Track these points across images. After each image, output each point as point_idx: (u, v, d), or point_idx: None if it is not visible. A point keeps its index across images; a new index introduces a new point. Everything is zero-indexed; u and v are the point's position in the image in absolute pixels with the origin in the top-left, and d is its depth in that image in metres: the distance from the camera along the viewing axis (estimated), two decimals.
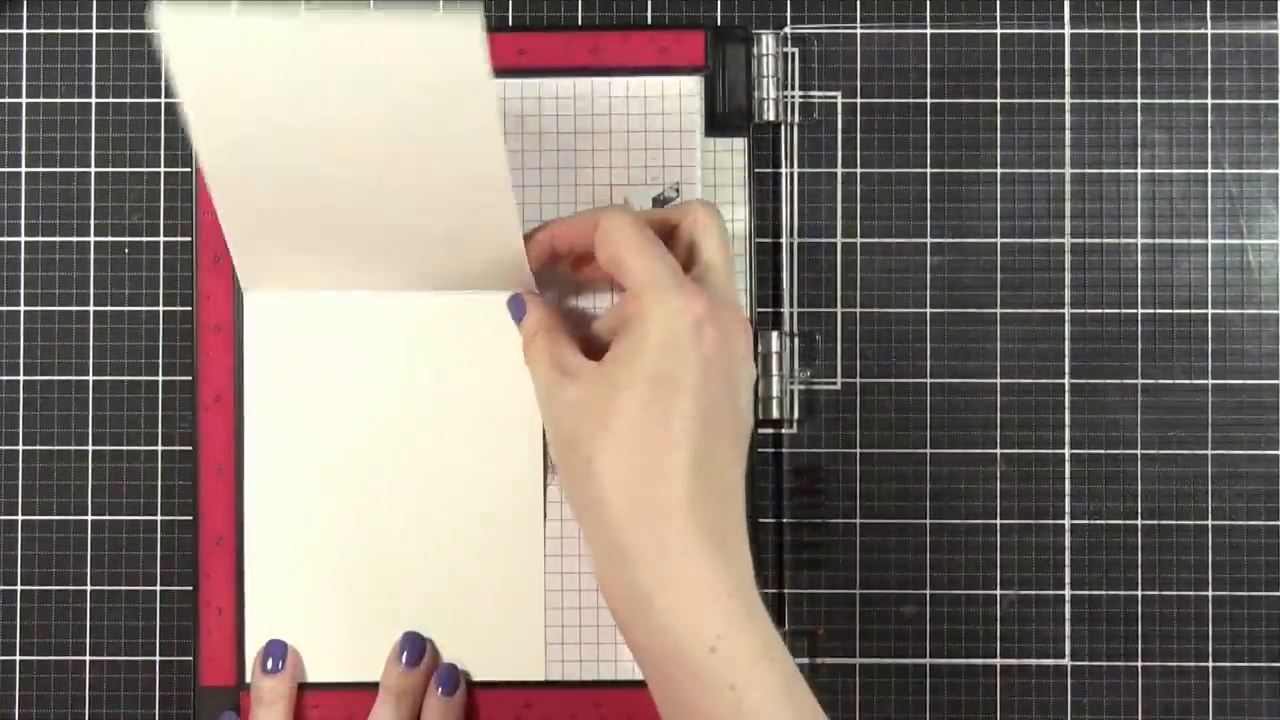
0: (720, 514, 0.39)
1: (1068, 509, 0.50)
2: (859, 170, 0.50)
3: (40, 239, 0.50)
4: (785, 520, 0.49)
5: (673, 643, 0.38)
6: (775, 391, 0.49)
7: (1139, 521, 0.49)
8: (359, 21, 0.37)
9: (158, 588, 0.50)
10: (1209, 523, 0.49)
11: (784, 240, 0.50)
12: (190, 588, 0.49)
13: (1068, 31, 0.50)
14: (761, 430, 0.49)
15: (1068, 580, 0.49)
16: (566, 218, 0.45)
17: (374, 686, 0.47)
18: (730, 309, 0.41)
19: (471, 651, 0.48)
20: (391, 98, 0.39)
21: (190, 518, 0.48)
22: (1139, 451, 0.50)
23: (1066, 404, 0.50)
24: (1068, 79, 0.50)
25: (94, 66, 0.50)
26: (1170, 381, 0.50)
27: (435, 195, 0.42)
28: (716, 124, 0.49)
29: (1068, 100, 0.50)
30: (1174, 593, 0.49)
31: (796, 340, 0.50)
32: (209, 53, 0.38)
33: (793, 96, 0.50)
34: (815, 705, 0.39)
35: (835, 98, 0.50)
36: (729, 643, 0.38)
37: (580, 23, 0.50)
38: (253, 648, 0.47)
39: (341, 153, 0.41)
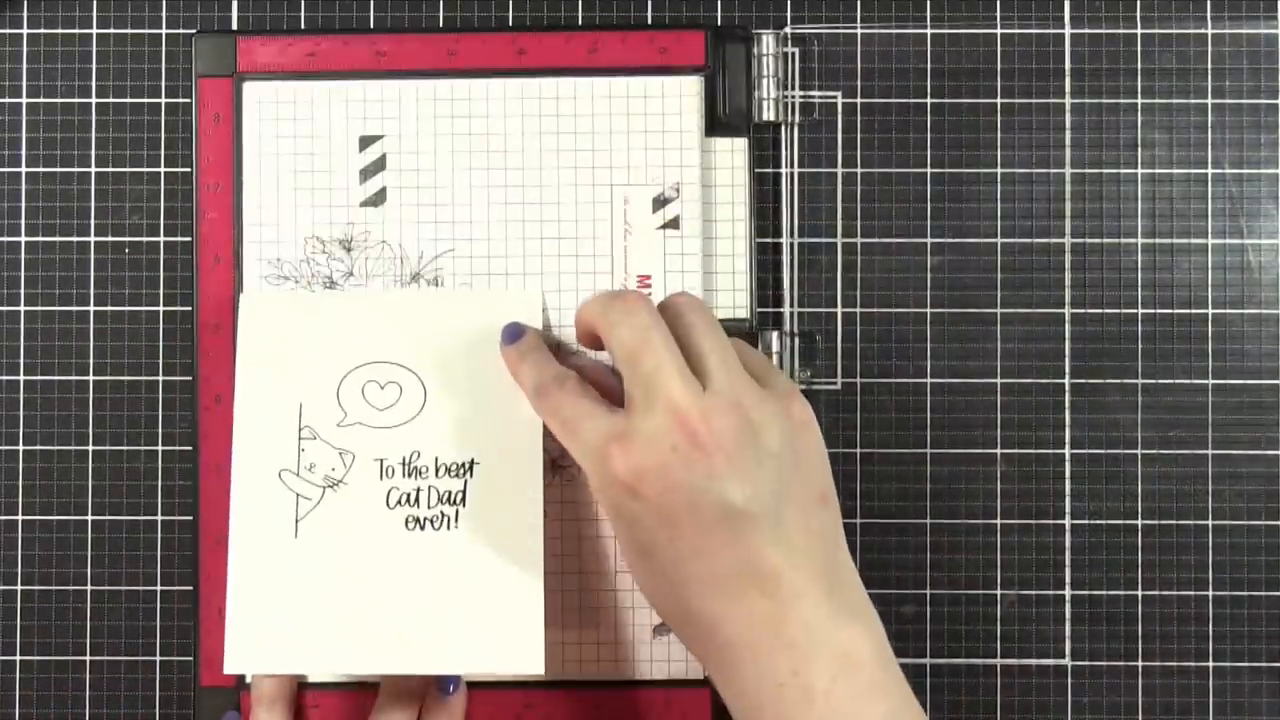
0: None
1: (1068, 509, 0.50)
2: (859, 170, 0.50)
3: (40, 239, 0.50)
4: None
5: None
6: None
7: (1139, 521, 0.49)
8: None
9: (158, 588, 0.50)
10: (1209, 523, 0.49)
11: (784, 240, 0.50)
12: (190, 588, 0.49)
13: (1068, 31, 0.50)
14: None
15: (1068, 580, 0.49)
16: (581, 310, 0.43)
17: (374, 686, 0.47)
18: (682, 416, 0.38)
19: (472, 652, 0.48)
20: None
21: (190, 518, 0.48)
22: (1139, 451, 0.50)
23: (1066, 404, 0.50)
24: (1068, 79, 0.50)
25: (94, 66, 0.50)
26: (1170, 381, 0.50)
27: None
28: (716, 124, 0.49)
29: (1068, 100, 0.50)
30: (1174, 593, 0.49)
31: (796, 340, 0.50)
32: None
33: (793, 96, 0.50)
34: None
35: (835, 98, 0.50)
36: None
37: (580, 23, 0.50)
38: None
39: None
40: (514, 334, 0.46)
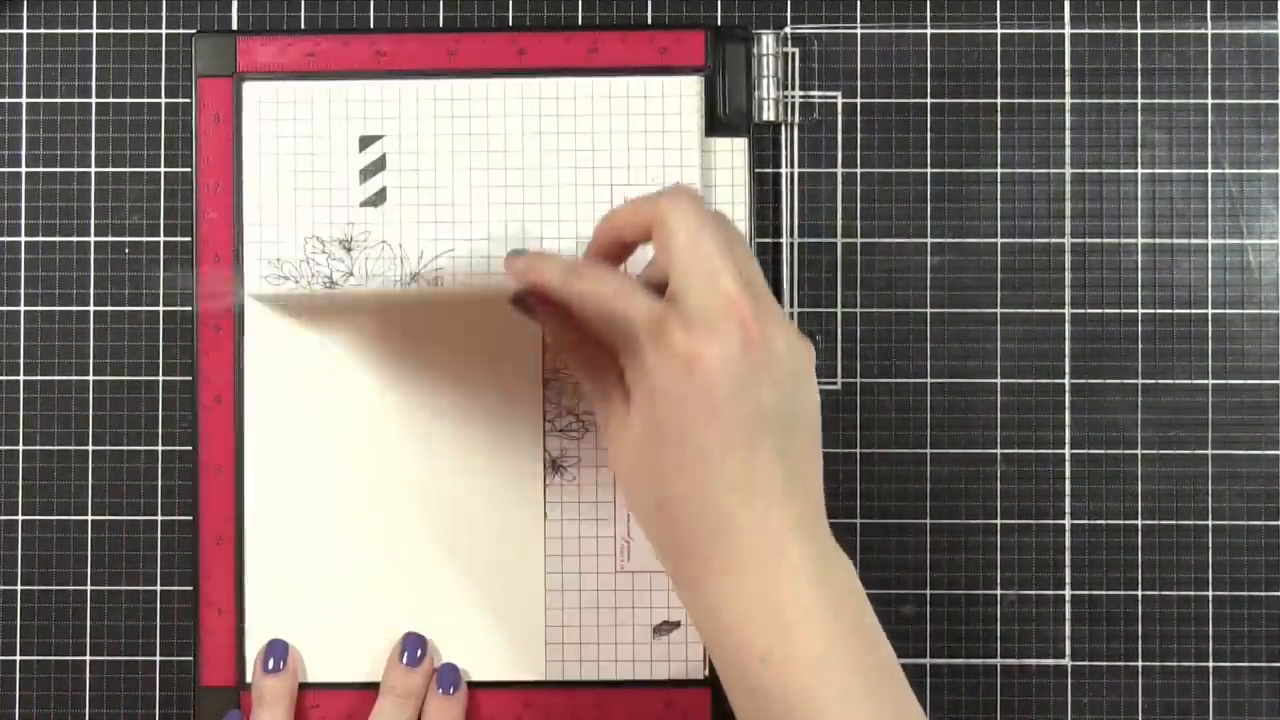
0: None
1: (1068, 509, 0.50)
2: (859, 170, 0.50)
3: (40, 239, 0.50)
4: None
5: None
6: None
7: (1139, 521, 0.49)
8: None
9: (158, 588, 0.50)
10: (1209, 523, 0.49)
11: (784, 240, 0.50)
12: (190, 588, 0.49)
13: (1068, 31, 0.50)
14: None
15: (1068, 580, 0.49)
16: (623, 208, 0.41)
17: (374, 686, 0.47)
18: (740, 314, 0.38)
19: (471, 651, 0.48)
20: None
21: (190, 518, 0.48)
22: (1139, 451, 0.50)
23: (1066, 404, 0.50)
24: (1068, 79, 0.50)
25: (94, 66, 0.50)
26: (1170, 381, 0.50)
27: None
28: (716, 124, 0.49)
29: (1068, 100, 0.50)
30: (1174, 593, 0.49)
31: None
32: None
33: (793, 96, 0.50)
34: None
35: (835, 98, 0.50)
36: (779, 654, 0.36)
37: (580, 23, 0.50)
38: (253, 648, 0.47)
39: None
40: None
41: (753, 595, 0.37)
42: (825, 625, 0.36)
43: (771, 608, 0.37)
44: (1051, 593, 0.49)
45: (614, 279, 0.39)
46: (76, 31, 0.50)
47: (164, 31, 0.50)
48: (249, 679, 0.47)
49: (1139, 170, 0.50)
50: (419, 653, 0.47)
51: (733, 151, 0.49)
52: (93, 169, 0.50)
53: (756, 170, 0.49)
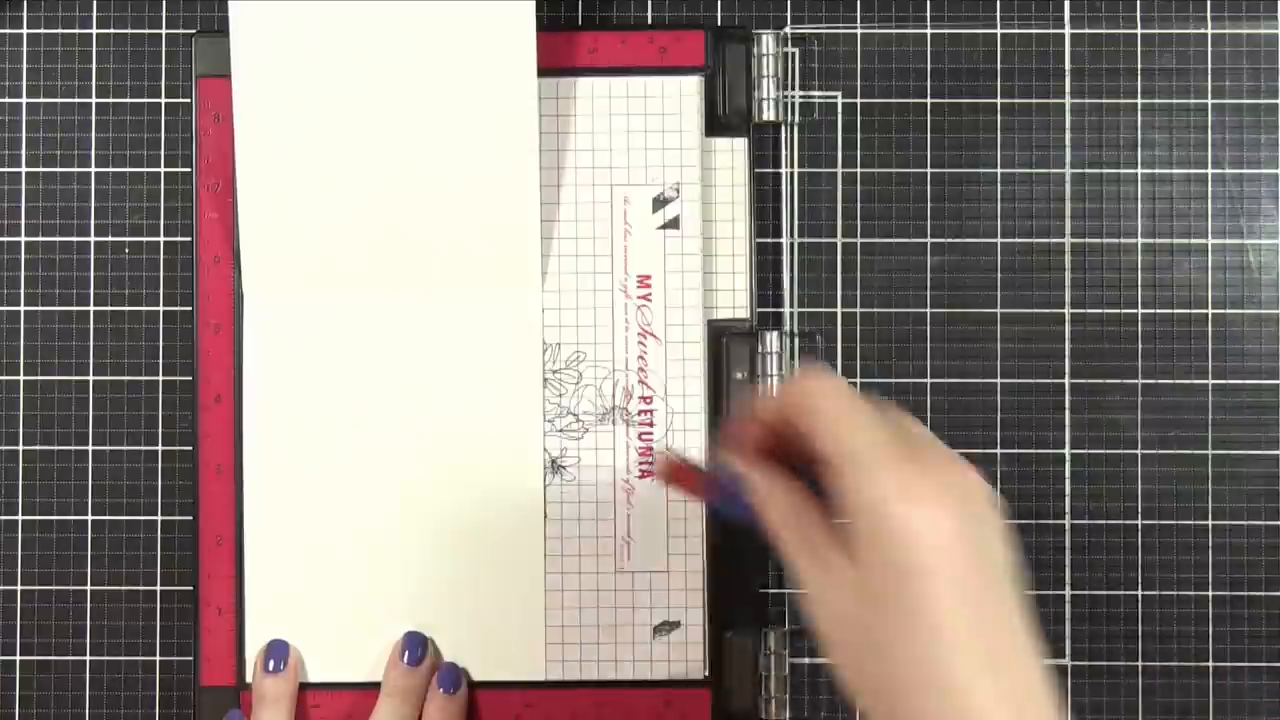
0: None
1: (1068, 509, 0.50)
2: (859, 170, 0.50)
3: (40, 239, 0.50)
4: None
5: None
6: (775, 392, 0.49)
7: (1139, 521, 0.49)
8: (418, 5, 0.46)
9: (158, 588, 0.50)
10: (1209, 523, 0.49)
11: (784, 240, 0.50)
12: (190, 588, 0.49)
13: (1068, 31, 0.50)
14: None
15: (1068, 580, 0.49)
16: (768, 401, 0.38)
17: (375, 686, 0.47)
18: (956, 465, 0.35)
19: (471, 651, 0.48)
20: (438, 77, 0.46)
21: (190, 518, 0.48)
22: (1139, 451, 0.50)
23: (1066, 404, 0.50)
24: (1068, 79, 0.50)
25: (94, 66, 0.50)
26: (1170, 381, 0.50)
27: (466, 180, 0.46)
28: (716, 124, 0.49)
29: (1068, 100, 0.50)
30: (1174, 593, 0.49)
31: (796, 340, 0.50)
32: (268, 36, 0.46)
33: (793, 96, 0.50)
34: None
35: (835, 98, 0.50)
36: None
37: (580, 23, 0.50)
38: (253, 648, 0.47)
39: (378, 138, 0.46)
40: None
41: None
42: None
43: None
44: (1051, 593, 0.49)
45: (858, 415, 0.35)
46: (76, 31, 0.50)
47: (164, 31, 0.50)
48: (249, 679, 0.47)
49: (1139, 170, 0.50)
50: (420, 652, 0.47)
51: (732, 151, 0.49)
52: (93, 169, 0.50)
53: (756, 170, 0.49)
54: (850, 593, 0.34)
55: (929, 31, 0.50)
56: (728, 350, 0.49)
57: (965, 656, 0.33)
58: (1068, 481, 0.50)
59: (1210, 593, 0.49)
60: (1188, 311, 0.50)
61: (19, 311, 0.50)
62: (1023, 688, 0.35)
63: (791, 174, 0.50)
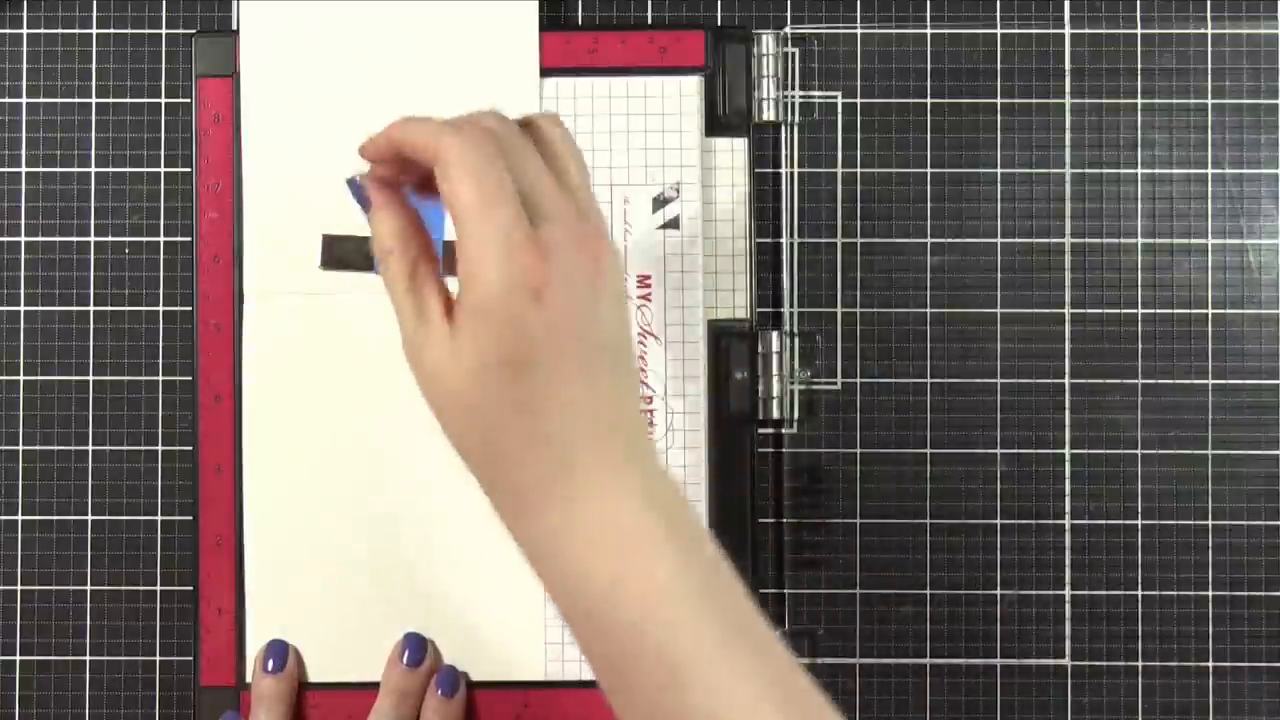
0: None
1: (1068, 509, 0.50)
2: (859, 170, 0.50)
3: (40, 239, 0.50)
4: (785, 520, 0.49)
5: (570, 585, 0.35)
6: (775, 391, 0.49)
7: (1139, 521, 0.49)
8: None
9: (158, 588, 0.50)
10: (1209, 523, 0.49)
11: (784, 240, 0.50)
12: (190, 588, 0.49)
13: (1068, 31, 0.50)
14: (761, 430, 0.49)
15: (1068, 580, 0.49)
16: (414, 121, 0.36)
17: (374, 686, 0.47)
18: (580, 236, 0.35)
19: (471, 651, 0.48)
20: (442, 78, 0.47)
21: (190, 518, 0.48)
22: (1139, 451, 0.50)
23: (1066, 404, 0.50)
24: (1068, 79, 0.50)
25: (94, 66, 0.50)
26: (1170, 381, 0.50)
27: None
28: (716, 124, 0.49)
29: (1068, 100, 0.50)
30: (1174, 593, 0.49)
31: (796, 340, 0.50)
32: (276, 36, 0.47)
33: (793, 96, 0.50)
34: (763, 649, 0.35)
35: (835, 98, 0.50)
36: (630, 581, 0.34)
37: (580, 23, 0.50)
38: (253, 648, 0.47)
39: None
40: (361, 195, 0.38)
41: (595, 523, 0.35)
42: (669, 546, 0.35)
43: (615, 534, 0.35)
44: (1051, 593, 0.49)
45: (486, 172, 0.34)
46: (76, 31, 0.50)
47: (164, 31, 0.50)
48: (249, 679, 0.47)
49: (1139, 170, 0.50)
50: (420, 654, 0.47)
51: (732, 151, 0.49)
52: (93, 169, 0.50)
53: (756, 170, 0.49)
54: (448, 357, 0.35)
55: (929, 31, 0.50)
56: (728, 350, 0.49)
57: (574, 424, 0.35)
58: (1068, 481, 0.50)
59: (1210, 593, 0.49)
60: (1188, 311, 0.50)
61: (19, 311, 0.50)
62: (627, 448, 0.36)
63: (791, 174, 0.50)
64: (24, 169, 0.50)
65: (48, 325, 0.50)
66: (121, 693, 0.49)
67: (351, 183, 0.37)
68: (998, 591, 0.49)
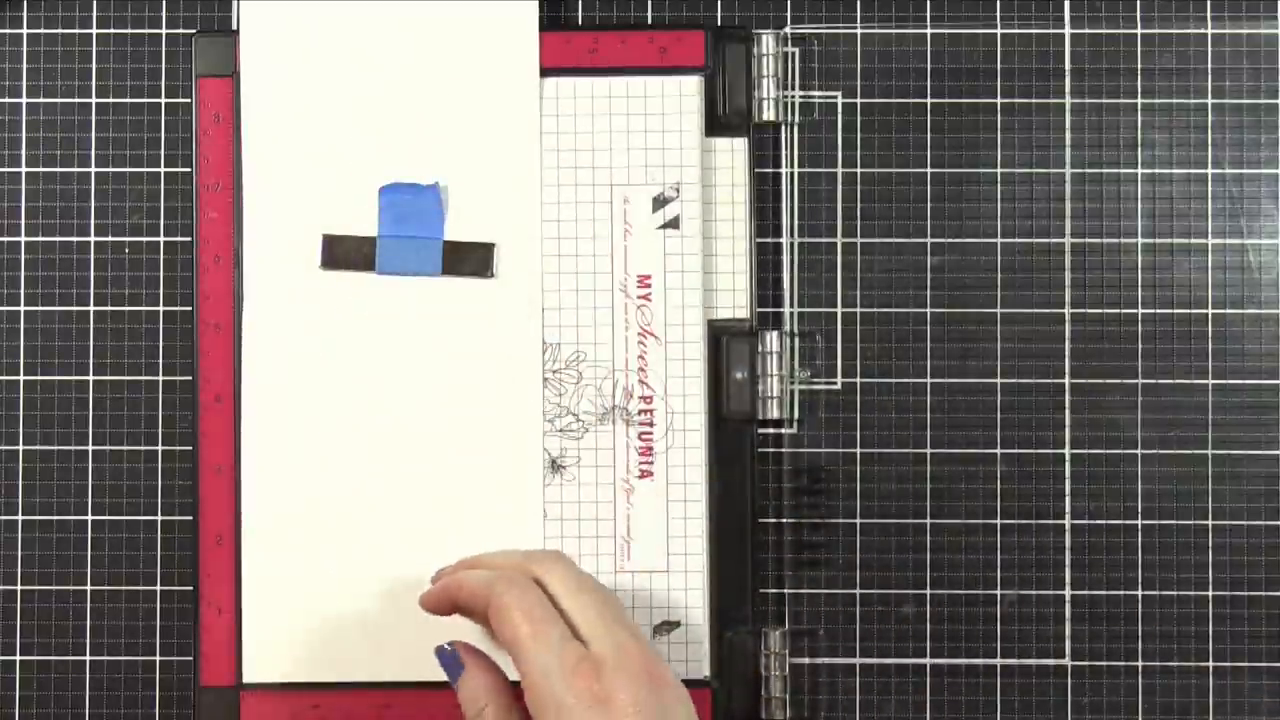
0: None
1: (1068, 509, 0.50)
2: (859, 170, 0.50)
3: (40, 239, 0.50)
4: (785, 520, 0.50)
5: None
6: (775, 391, 0.49)
7: (1139, 521, 0.49)
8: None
9: (158, 588, 0.50)
10: (1209, 523, 0.49)
11: (784, 240, 0.50)
12: (190, 587, 0.49)
13: (1068, 31, 0.50)
14: (761, 430, 0.49)
15: (1068, 580, 0.49)
16: (471, 571, 0.43)
17: (374, 686, 0.47)
18: (627, 654, 0.39)
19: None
20: (441, 77, 0.48)
21: (190, 517, 0.48)
22: (1139, 451, 0.50)
23: (1066, 404, 0.50)
24: (1068, 79, 0.50)
25: (94, 66, 0.50)
26: (1170, 381, 0.50)
27: (467, 179, 0.48)
28: (716, 124, 0.49)
29: (1068, 100, 0.50)
30: (1174, 593, 0.49)
31: (796, 340, 0.50)
32: (276, 36, 0.47)
33: (793, 96, 0.50)
34: None
35: (835, 98, 0.50)
36: None
37: (580, 23, 0.50)
38: (252, 648, 0.47)
39: (382, 137, 0.48)
40: (453, 665, 0.43)
41: None
42: None
43: None
44: (1051, 593, 0.49)
45: (535, 611, 0.40)
46: (76, 31, 0.50)
47: (164, 31, 0.50)
48: (249, 679, 0.47)
49: (1139, 170, 0.50)
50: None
51: (732, 151, 0.49)
52: (93, 169, 0.50)
53: (756, 170, 0.49)
54: None
55: (929, 31, 0.50)
56: (728, 350, 0.49)
57: None
58: (1068, 481, 0.50)
59: (1210, 593, 0.49)
60: (1188, 311, 0.50)
61: (19, 311, 0.50)
62: None
63: (791, 174, 0.50)
64: (24, 169, 0.50)
65: (48, 325, 0.50)
66: (121, 693, 0.49)
67: (440, 651, 0.43)
68: (998, 591, 0.49)
